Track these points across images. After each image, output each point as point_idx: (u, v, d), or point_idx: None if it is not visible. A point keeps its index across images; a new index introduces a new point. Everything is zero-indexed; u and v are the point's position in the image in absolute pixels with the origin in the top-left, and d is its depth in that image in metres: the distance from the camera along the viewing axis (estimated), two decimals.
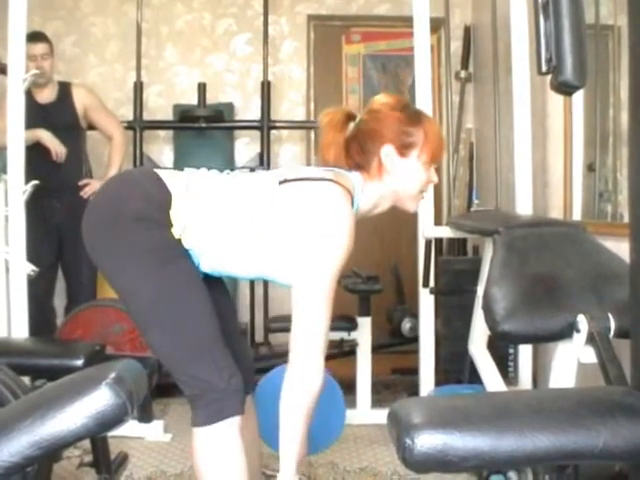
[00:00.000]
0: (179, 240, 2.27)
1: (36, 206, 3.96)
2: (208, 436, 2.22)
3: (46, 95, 4.74)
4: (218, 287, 2.49)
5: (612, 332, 2.31)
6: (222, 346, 2.26)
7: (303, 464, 2.30)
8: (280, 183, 2.32)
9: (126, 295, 2.31)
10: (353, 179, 2.36)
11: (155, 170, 2.40)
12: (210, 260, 2.32)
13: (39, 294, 4.33)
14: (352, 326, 4.32)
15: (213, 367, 2.21)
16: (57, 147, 4.59)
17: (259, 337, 5.60)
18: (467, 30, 6.09)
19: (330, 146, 2.40)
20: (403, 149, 2.35)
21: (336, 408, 3.59)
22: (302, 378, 2.18)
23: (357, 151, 2.38)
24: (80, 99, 4.82)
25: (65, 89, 4.82)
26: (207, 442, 2.23)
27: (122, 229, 2.25)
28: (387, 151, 2.34)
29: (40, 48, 4.57)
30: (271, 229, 2.27)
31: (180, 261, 2.27)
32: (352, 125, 2.41)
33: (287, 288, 2.32)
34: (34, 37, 4.48)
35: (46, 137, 4.58)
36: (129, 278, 2.27)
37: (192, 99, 5.77)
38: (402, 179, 2.38)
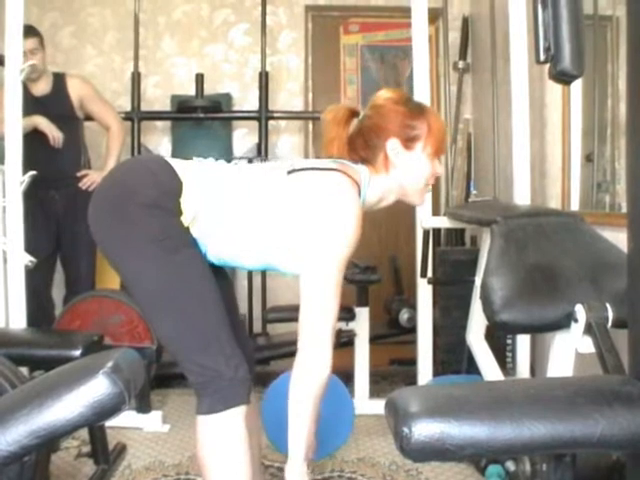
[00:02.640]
0: (187, 228, 2.27)
1: (34, 197, 3.96)
2: (213, 424, 2.22)
3: (41, 87, 4.73)
4: (222, 276, 2.49)
5: (610, 322, 2.31)
6: (229, 335, 2.26)
7: (312, 452, 2.30)
8: (289, 173, 2.33)
9: (134, 282, 2.31)
10: (361, 171, 2.38)
11: (165, 158, 2.40)
12: (218, 249, 2.32)
13: (37, 285, 4.33)
14: (350, 316, 4.32)
15: (221, 355, 2.22)
16: (54, 132, 4.58)
17: (257, 328, 5.60)
18: (465, 20, 6.08)
19: (333, 141, 2.42)
20: (408, 142, 2.37)
21: (345, 413, 3.60)
22: (310, 366, 2.19)
23: (362, 146, 2.39)
24: (75, 90, 4.81)
25: (60, 80, 4.80)
26: (212, 430, 2.23)
27: (131, 215, 2.24)
28: (393, 145, 2.36)
29: (28, 44, 4.45)
30: (279, 218, 2.28)
31: (189, 249, 2.27)
32: (356, 121, 2.43)
33: (288, 277, 2.34)
34: (23, 32, 4.45)
35: (42, 122, 4.56)
36: (137, 265, 2.27)
37: (190, 90, 5.76)
38: (408, 172, 2.40)
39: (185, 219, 2.26)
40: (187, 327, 2.24)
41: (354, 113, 2.45)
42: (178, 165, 2.34)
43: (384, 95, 2.45)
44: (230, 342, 2.26)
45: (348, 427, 3.62)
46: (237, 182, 2.34)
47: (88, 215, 2.33)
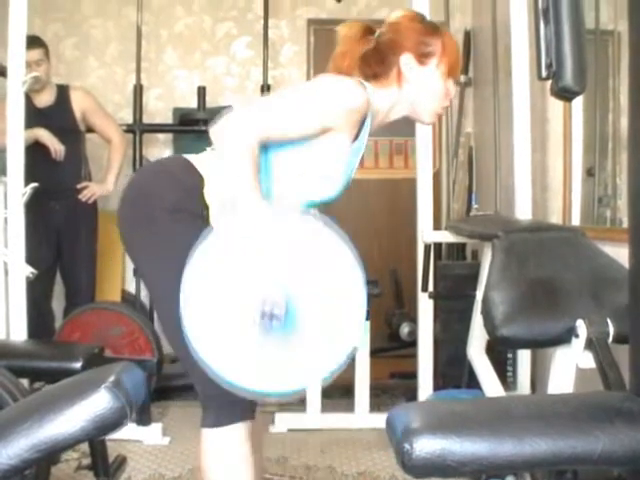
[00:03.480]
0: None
1: (35, 208, 3.95)
2: (217, 438, 2.21)
3: (44, 99, 4.74)
4: None
5: (611, 337, 2.32)
6: None
7: None
8: None
9: (153, 291, 2.32)
10: (365, 84, 2.35)
11: (184, 155, 2.38)
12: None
13: (38, 296, 4.33)
14: None
15: None
16: (55, 145, 4.59)
17: None
18: (467, 34, 6.09)
19: (345, 55, 2.40)
20: (422, 57, 2.36)
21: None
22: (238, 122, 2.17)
23: (376, 62, 2.38)
24: (78, 102, 4.82)
25: (63, 92, 4.82)
26: (216, 444, 2.22)
27: (155, 222, 2.22)
28: (406, 59, 2.35)
29: (34, 54, 4.49)
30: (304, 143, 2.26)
31: None
32: (371, 38, 2.42)
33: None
34: (27, 43, 4.45)
35: (44, 135, 4.57)
36: (157, 276, 2.26)
37: (192, 102, 5.77)
38: (421, 88, 2.38)
39: (213, 212, 2.23)
40: None
41: (370, 30, 2.44)
42: (196, 160, 2.32)
43: (399, 13, 2.45)
44: None
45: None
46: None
47: (117, 226, 2.31)
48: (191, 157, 2.34)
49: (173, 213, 2.22)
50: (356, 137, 2.29)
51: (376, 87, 2.37)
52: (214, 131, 2.17)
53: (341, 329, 2.02)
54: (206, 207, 2.23)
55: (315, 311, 1.98)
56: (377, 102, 2.37)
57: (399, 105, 2.43)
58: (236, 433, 2.21)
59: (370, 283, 4.34)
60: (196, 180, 2.26)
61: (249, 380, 2.00)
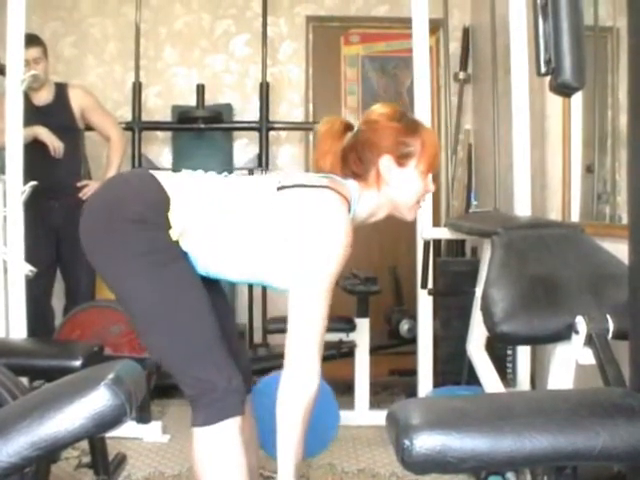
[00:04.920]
0: (177, 242, 2.27)
1: (34, 207, 3.95)
2: (208, 436, 2.23)
3: (43, 97, 4.73)
4: (214, 288, 2.49)
5: (611, 333, 2.31)
6: (221, 346, 2.27)
7: (302, 467, 2.30)
8: (278, 189, 2.32)
9: (125, 298, 2.32)
10: (350, 187, 2.37)
11: (151, 172, 2.40)
12: (207, 263, 2.33)
13: (37, 295, 4.33)
14: (350, 327, 4.32)
15: (214, 367, 2.22)
16: (54, 142, 4.59)
17: (257, 338, 5.59)
18: (466, 31, 6.09)
19: (327, 155, 2.40)
20: (401, 159, 2.37)
21: (329, 410, 3.58)
22: (298, 382, 2.18)
23: (355, 161, 2.38)
24: (77, 100, 4.82)
25: (62, 90, 4.81)
26: (207, 442, 2.23)
27: (119, 232, 2.26)
28: (385, 162, 2.35)
29: (32, 53, 4.49)
30: (269, 234, 2.28)
31: (178, 262, 2.28)
32: (350, 135, 2.41)
33: (283, 293, 2.33)
34: (26, 41, 4.44)
35: (43, 133, 4.57)
36: (128, 281, 2.28)
37: (191, 100, 5.77)
38: (400, 189, 2.39)
39: (174, 233, 2.26)
40: (178, 340, 2.25)
41: (349, 127, 2.43)
42: (165, 179, 2.34)
43: (378, 110, 2.43)
44: (222, 353, 2.27)
45: (332, 431, 3.60)
46: (226, 197, 2.34)
47: (79, 233, 2.33)
48: (160, 175, 2.36)
49: (135, 223, 2.25)
50: None
51: (360, 187, 2.38)
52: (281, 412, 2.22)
53: None
54: (169, 225, 2.26)
55: None
56: (358, 211, 2.40)
57: (379, 210, 2.45)
58: (227, 430, 2.22)
59: (369, 280, 4.40)
60: (162, 198, 2.29)
61: None
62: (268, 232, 2.27)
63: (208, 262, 2.32)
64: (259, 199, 2.33)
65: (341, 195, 2.29)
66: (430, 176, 2.43)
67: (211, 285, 2.42)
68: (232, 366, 2.26)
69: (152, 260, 2.24)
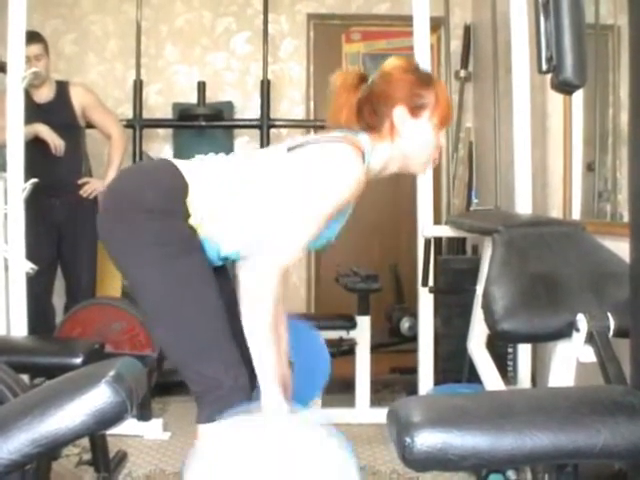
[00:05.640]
0: (195, 230, 2.26)
1: (35, 204, 3.95)
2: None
3: (44, 94, 4.73)
4: (226, 282, 2.49)
5: (611, 331, 2.31)
6: (231, 343, 2.26)
7: (288, 389, 2.29)
8: (289, 150, 2.33)
9: (136, 289, 2.32)
10: (363, 140, 2.36)
11: (170, 160, 2.39)
12: (232, 242, 2.32)
13: (38, 292, 4.32)
14: (351, 325, 4.32)
15: (221, 365, 2.22)
16: (55, 140, 4.59)
17: None
18: (467, 29, 6.08)
19: (343, 108, 2.39)
20: (415, 110, 2.36)
21: (319, 353, 3.47)
22: (260, 276, 2.17)
23: (369, 113, 2.38)
24: (78, 98, 4.81)
25: (63, 88, 4.81)
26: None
27: (133, 222, 2.25)
28: (399, 112, 2.35)
29: (33, 49, 4.49)
30: (288, 198, 2.27)
31: (192, 254, 2.26)
32: (364, 87, 2.41)
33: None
34: (27, 38, 4.43)
35: (44, 130, 4.57)
36: (139, 273, 2.28)
37: (192, 98, 5.76)
38: (413, 141, 2.39)
39: (194, 219, 2.25)
40: (187, 335, 2.24)
41: (363, 79, 2.42)
42: (183, 166, 2.33)
43: (392, 63, 2.43)
44: (231, 350, 2.26)
45: (323, 376, 3.47)
46: (243, 169, 2.35)
47: (97, 224, 2.33)
48: (179, 162, 2.36)
49: (150, 213, 2.24)
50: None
51: (372, 140, 2.38)
52: (244, 279, 2.20)
53: None
54: (188, 214, 2.25)
55: None
56: (372, 163, 2.38)
57: (392, 162, 2.44)
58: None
59: (370, 278, 4.40)
60: (179, 184, 2.28)
61: None
62: (287, 196, 2.27)
63: (234, 241, 2.31)
64: (273, 163, 2.33)
65: (355, 146, 2.29)
66: (442, 132, 2.43)
67: (222, 279, 2.42)
68: (240, 364, 2.25)
69: (165, 252, 2.23)
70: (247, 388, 2.24)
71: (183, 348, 2.25)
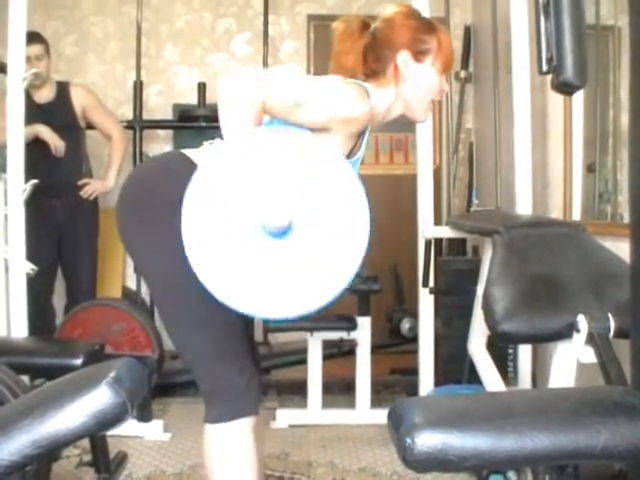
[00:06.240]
0: None
1: (35, 205, 3.95)
2: (221, 433, 2.21)
3: (44, 95, 4.73)
4: None
5: (612, 332, 2.32)
6: (243, 346, 2.27)
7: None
8: None
9: (154, 287, 2.31)
10: (366, 86, 2.34)
11: (182, 150, 2.37)
12: None
13: (38, 293, 4.33)
14: (351, 326, 4.32)
15: (235, 366, 2.21)
16: (56, 141, 4.59)
17: (258, 336, 5.58)
18: (467, 30, 6.08)
19: (350, 53, 2.40)
20: (418, 55, 2.35)
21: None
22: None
23: (373, 59, 2.37)
24: (78, 98, 4.82)
25: (63, 89, 4.81)
26: (219, 439, 2.22)
27: (152, 217, 2.23)
28: (403, 57, 2.34)
29: (34, 50, 4.50)
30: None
31: None
32: (367, 33, 2.42)
33: None
34: (28, 38, 4.42)
35: (44, 131, 4.57)
36: (158, 271, 2.25)
37: (192, 99, 5.77)
38: (416, 84, 2.37)
39: None
40: (205, 334, 2.23)
41: (366, 25, 2.44)
42: (195, 155, 2.31)
43: (394, 9, 2.45)
44: (245, 354, 2.27)
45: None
46: (252, 144, 2.31)
47: (116, 220, 2.31)
48: (189, 151, 2.33)
49: (169, 207, 2.20)
50: (352, 151, 2.30)
51: (375, 87, 2.36)
52: (222, 80, 2.12)
53: (340, 258, 2.13)
54: None
55: (315, 233, 2.05)
56: (377, 106, 2.36)
57: (396, 104, 2.41)
58: (239, 428, 2.21)
59: (371, 279, 4.40)
60: (194, 172, 2.26)
61: (244, 302, 2.01)
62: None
63: None
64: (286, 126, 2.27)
65: (361, 87, 2.28)
66: (444, 77, 2.42)
67: None
68: (252, 367, 2.26)
69: (183, 250, 2.19)
70: (257, 391, 2.25)
71: (200, 346, 2.23)
